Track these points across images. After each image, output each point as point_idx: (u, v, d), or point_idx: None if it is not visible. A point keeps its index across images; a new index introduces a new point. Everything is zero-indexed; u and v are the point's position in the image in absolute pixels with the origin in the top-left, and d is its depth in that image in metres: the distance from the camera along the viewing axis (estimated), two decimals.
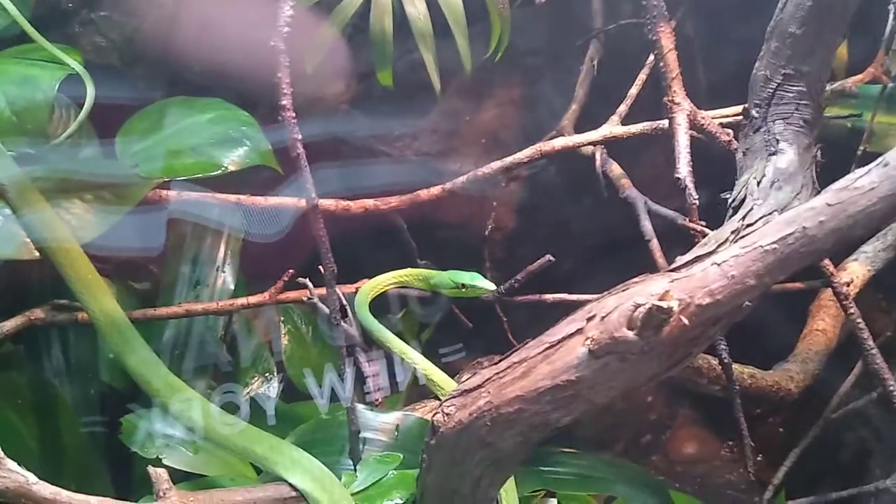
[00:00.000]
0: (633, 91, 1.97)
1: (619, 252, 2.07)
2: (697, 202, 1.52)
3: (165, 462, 1.62)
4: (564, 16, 2.28)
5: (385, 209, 1.83)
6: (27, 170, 1.65)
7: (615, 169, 1.93)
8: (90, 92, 1.82)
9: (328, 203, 1.80)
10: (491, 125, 2.32)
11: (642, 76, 2.01)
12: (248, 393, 2.10)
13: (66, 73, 1.80)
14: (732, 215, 1.29)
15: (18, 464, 1.19)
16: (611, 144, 1.97)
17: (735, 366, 1.90)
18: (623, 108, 1.94)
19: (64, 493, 1.18)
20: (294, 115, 1.31)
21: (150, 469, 1.32)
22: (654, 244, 1.71)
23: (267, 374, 2.15)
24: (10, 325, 1.68)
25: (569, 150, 1.97)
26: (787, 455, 2.10)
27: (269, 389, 2.12)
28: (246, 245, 2.08)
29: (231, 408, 1.81)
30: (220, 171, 1.86)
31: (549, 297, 1.77)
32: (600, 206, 2.09)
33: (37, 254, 1.62)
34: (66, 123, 1.86)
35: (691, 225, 1.60)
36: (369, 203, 1.82)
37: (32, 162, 1.74)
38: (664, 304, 1.04)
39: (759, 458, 2.27)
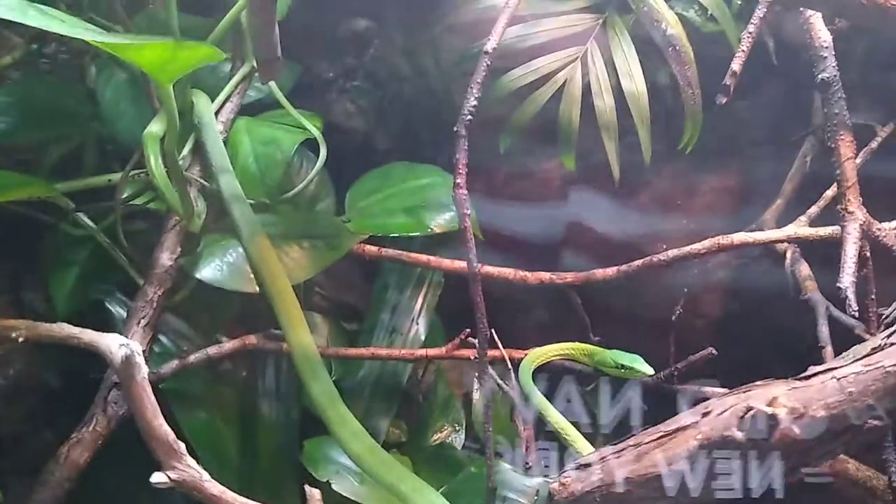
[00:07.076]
0: (829, 193, 1.91)
1: (807, 357, 1.99)
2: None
3: (334, 486, 1.77)
4: (789, 108, 2.26)
5: (560, 283, 1.91)
6: (260, 216, 1.93)
7: (804, 270, 1.87)
8: (322, 154, 2.07)
9: (507, 272, 1.91)
10: (700, 211, 2.31)
11: None
12: (436, 440, 2.28)
13: (305, 137, 2.06)
14: (884, 331, 1.25)
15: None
16: (815, 245, 1.92)
17: None
18: (815, 210, 1.89)
19: (229, 493, 1.32)
20: (465, 192, 1.45)
21: (306, 487, 1.46)
22: (828, 351, 1.64)
23: (455, 426, 2.31)
24: (228, 346, 1.90)
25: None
26: None
27: (455, 440, 2.28)
28: (443, 300, 2.26)
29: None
30: (425, 233, 2.08)
31: (708, 389, 1.76)
32: (797, 308, 2.03)
33: (257, 288, 1.84)
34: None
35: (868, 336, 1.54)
36: (545, 276, 1.91)
37: (266, 210, 2.05)
38: (769, 410, 1.06)
39: None
